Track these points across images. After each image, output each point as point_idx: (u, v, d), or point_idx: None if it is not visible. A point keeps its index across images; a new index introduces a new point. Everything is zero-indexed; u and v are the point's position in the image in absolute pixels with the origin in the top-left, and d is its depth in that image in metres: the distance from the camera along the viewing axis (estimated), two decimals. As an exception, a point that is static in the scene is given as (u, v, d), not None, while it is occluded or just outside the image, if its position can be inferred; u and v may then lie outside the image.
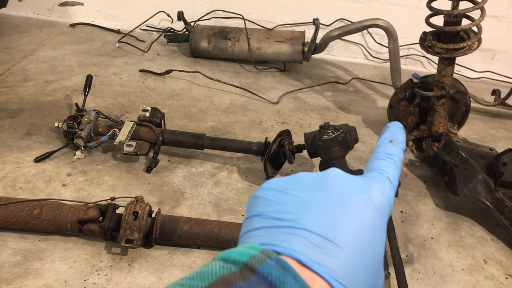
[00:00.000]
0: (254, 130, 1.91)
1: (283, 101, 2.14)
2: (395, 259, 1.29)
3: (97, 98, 2.03)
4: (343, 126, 1.48)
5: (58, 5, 2.75)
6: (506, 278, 1.33)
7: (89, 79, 1.82)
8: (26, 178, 1.55)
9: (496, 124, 2.08)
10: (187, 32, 2.47)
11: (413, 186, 1.66)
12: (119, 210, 1.33)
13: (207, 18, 2.58)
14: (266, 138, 1.64)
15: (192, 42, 2.40)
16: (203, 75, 2.26)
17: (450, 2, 1.52)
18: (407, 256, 1.38)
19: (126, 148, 1.59)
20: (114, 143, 1.60)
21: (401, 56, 2.26)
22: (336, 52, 2.61)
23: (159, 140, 1.64)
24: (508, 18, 2.38)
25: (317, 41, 2.28)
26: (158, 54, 2.49)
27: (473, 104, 1.93)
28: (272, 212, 0.41)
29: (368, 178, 0.44)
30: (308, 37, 2.34)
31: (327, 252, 0.38)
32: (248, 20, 2.48)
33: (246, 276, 0.34)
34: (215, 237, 1.30)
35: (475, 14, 1.53)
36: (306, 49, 2.30)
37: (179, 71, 2.29)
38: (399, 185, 1.68)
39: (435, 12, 1.58)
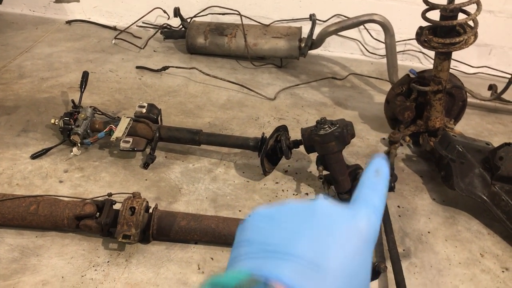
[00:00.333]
0: (251, 126, 1.91)
1: (280, 97, 2.14)
2: (392, 253, 1.30)
3: (94, 94, 2.03)
4: (340, 121, 1.48)
5: (53, 2, 2.74)
6: (503, 271, 1.34)
7: (85, 75, 1.81)
8: (22, 174, 1.55)
9: (492, 119, 2.09)
10: (183, 29, 2.47)
11: (409, 181, 1.66)
12: (116, 206, 1.32)
13: (204, 14, 2.57)
14: (263, 133, 1.64)
15: (188, 39, 2.40)
16: (200, 71, 2.26)
17: (446, -4, 1.52)
18: (404, 250, 1.38)
19: (122, 144, 1.59)
20: (111, 139, 1.60)
21: (398, 52, 2.26)
22: (333, 48, 2.61)
23: (156, 136, 1.64)
24: (504, 13, 2.38)
25: (314, 36, 2.28)
26: (154, 51, 2.48)
27: (469, 99, 1.93)
28: (261, 239, 0.42)
29: (354, 208, 0.46)
30: (305, 32, 2.34)
31: (315, 277, 0.38)
32: (245, 16, 2.47)
33: None
34: (213, 232, 1.30)
35: (471, 9, 1.53)
36: (303, 45, 2.30)
37: (176, 67, 2.28)
38: (395, 180, 1.68)
39: (432, 6, 1.58)
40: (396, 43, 2.16)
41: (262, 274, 0.38)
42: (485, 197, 1.45)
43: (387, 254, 1.32)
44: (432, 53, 1.82)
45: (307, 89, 2.23)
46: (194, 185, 1.56)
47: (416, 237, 1.43)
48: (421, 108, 1.75)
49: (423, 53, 2.53)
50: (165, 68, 2.26)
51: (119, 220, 1.26)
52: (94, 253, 1.29)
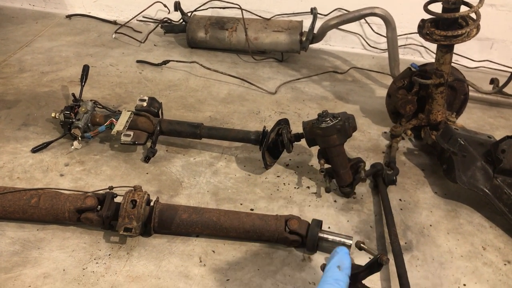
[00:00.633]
0: (252, 120, 1.90)
1: (281, 91, 2.13)
2: (394, 246, 1.30)
3: (94, 89, 2.02)
4: (342, 114, 1.48)
5: (53, -4, 2.73)
6: (505, 264, 1.33)
7: (85, 69, 1.81)
8: (23, 168, 1.55)
9: (494, 113, 2.08)
10: (184, 23, 2.46)
11: (411, 174, 1.66)
12: (117, 200, 1.32)
13: (204, 8, 2.56)
14: (264, 127, 1.63)
15: (189, 33, 2.39)
16: (201, 65, 2.25)
17: (449, -11, 1.51)
18: (406, 243, 1.38)
19: (123, 138, 1.59)
20: (112, 133, 1.59)
21: (399, 46, 2.25)
22: (334, 42, 2.60)
23: (156, 130, 1.63)
24: (506, 7, 2.36)
25: (315, 30, 2.27)
26: (155, 45, 2.47)
27: (471, 93, 1.92)
28: None
29: None
30: (306, 26, 2.32)
31: None
32: (246, 10, 2.46)
33: None
34: (214, 225, 1.29)
35: (474, 1, 1.52)
36: (304, 38, 2.29)
37: (176, 61, 2.27)
38: (397, 174, 1.67)
39: (434, -1, 1.57)
40: (398, 37, 2.15)
41: None
42: (487, 190, 1.45)
43: (389, 247, 1.32)
44: (433, 47, 1.81)
45: (308, 83, 2.22)
46: (195, 179, 1.56)
47: (418, 230, 1.43)
48: (422, 101, 1.74)
49: (424, 47, 2.52)
50: (165, 62, 2.25)
51: (121, 213, 1.25)
52: (95, 246, 1.29)
